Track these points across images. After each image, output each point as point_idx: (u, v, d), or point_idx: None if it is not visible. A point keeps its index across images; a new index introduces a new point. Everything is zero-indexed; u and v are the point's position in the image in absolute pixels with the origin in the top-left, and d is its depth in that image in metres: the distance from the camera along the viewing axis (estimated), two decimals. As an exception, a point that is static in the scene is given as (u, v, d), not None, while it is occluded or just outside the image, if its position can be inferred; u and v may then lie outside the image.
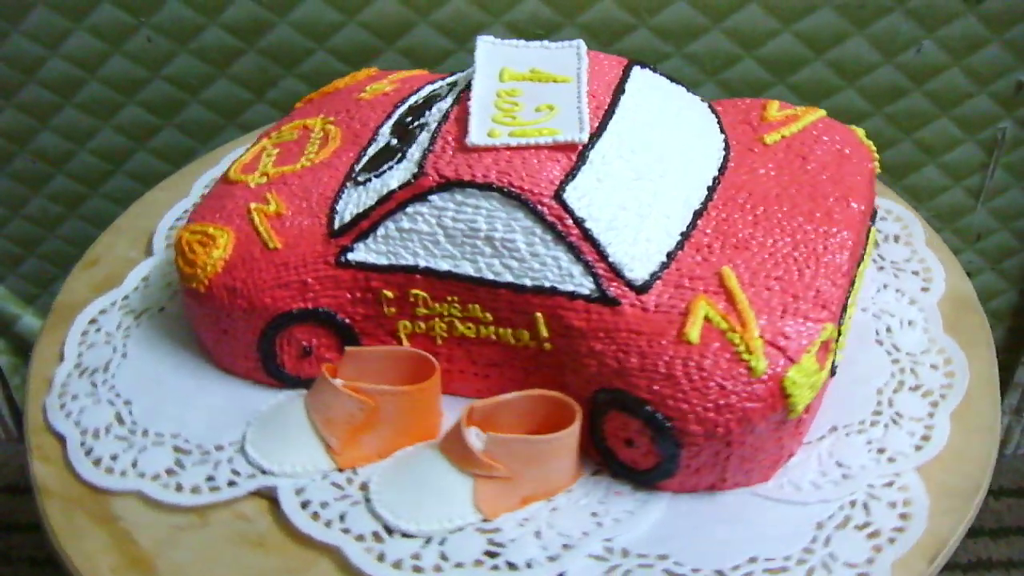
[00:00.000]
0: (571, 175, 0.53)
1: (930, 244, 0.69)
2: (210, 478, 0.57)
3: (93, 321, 0.67)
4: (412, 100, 0.66)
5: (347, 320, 0.58)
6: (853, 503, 0.53)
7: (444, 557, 0.52)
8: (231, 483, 0.56)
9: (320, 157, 0.64)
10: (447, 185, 0.54)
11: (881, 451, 0.56)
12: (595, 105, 0.57)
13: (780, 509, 0.53)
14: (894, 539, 0.51)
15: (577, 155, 0.54)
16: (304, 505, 0.55)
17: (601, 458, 0.55)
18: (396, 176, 0.57)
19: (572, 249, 0.52)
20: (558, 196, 0.52)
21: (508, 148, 0.54)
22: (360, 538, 0.53)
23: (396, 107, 0.66)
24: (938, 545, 0.52)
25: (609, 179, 0.54)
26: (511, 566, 0.51)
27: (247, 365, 0.61)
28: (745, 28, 0.90)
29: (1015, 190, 0.99)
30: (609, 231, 0.53)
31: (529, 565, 0.51)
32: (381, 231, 0.56)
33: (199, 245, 0.60)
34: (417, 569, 0.52)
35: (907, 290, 0.65)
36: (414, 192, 0.55)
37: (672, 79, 0.63)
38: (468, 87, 0.58)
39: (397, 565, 0.52)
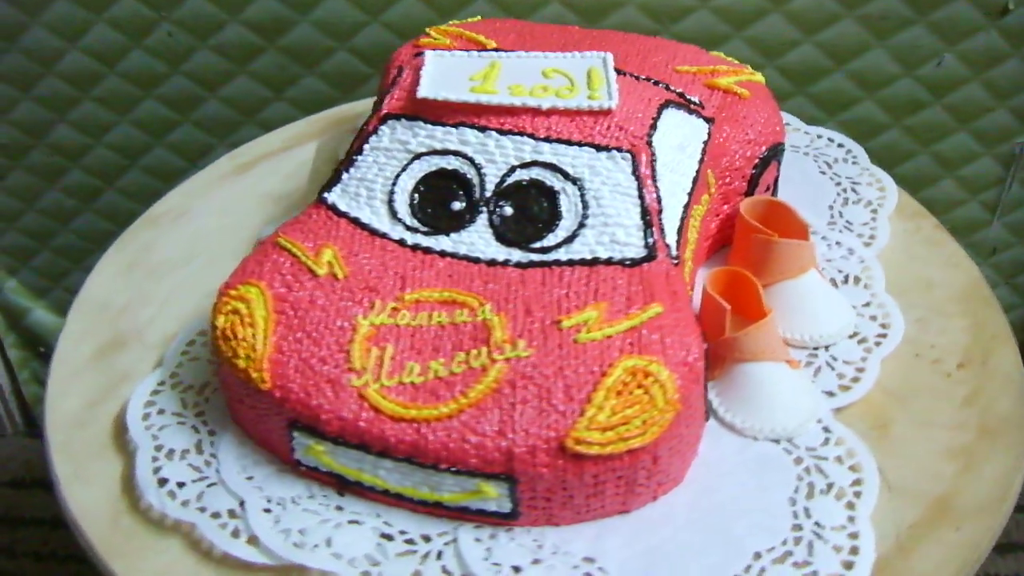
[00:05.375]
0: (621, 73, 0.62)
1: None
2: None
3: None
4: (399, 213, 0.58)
5: None
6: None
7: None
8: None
9: (488, 309, 0.53)
10: (650, 138, 0.57)
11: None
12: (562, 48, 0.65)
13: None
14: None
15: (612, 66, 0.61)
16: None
17: None
18: (612, 180, 0.56)
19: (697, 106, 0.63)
20: (665, 86, 0.62)
21: (619, 83, 0.59)
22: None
23: (390, 243, 0.57)
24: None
25: None
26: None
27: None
28: (767, 37, 0.90)
29: (1031, 205, 0.99)
30: None
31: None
32: (667, 216, 0.57)
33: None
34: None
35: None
36: (646, 170, 0.56)
37: None
38: (485, 135, 0.57)
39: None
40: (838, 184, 0.72)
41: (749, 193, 0.65)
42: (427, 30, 0.70)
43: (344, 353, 0.51)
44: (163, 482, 0.53)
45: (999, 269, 1.03)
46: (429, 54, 0.61)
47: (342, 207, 0.58)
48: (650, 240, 0.55)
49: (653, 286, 0.53)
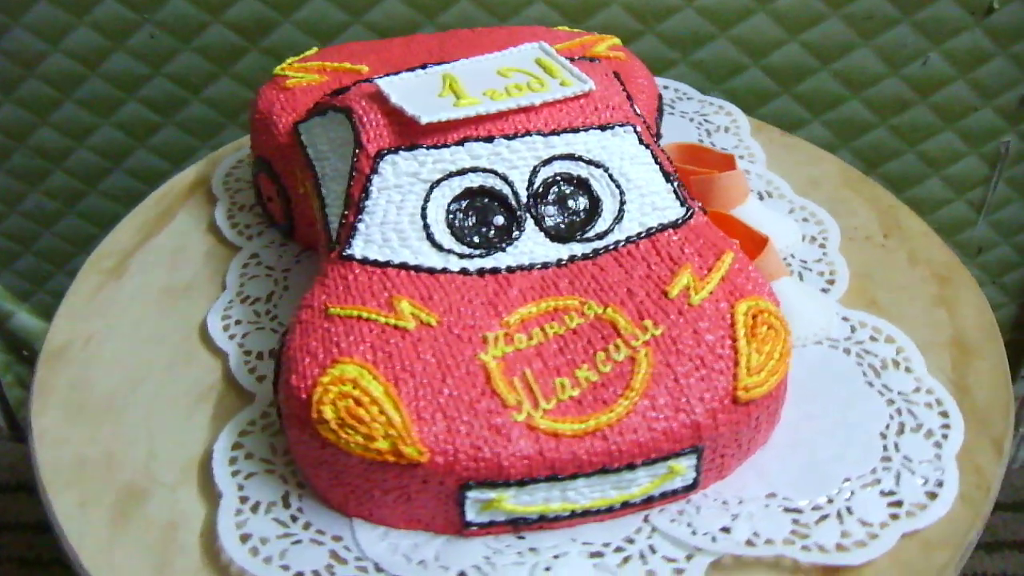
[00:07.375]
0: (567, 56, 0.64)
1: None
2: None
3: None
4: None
5: None
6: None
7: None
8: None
9: (592, 310, 0.53)
10: (634, 108, 0.59)
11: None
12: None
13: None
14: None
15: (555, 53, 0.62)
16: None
17: None
18: (628, 154, 0.57)
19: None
20: (596, 61, 0.63)
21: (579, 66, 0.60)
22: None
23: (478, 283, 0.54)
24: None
25: None
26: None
27: None
28: (752, 37, 0.90)
29: (1017, 204, 0.99)
30: None
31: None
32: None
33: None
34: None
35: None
36: (648, 136, 0.59)
37: None
38: (495, 144, 0.56)
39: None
40: (691, 120, 0.76)
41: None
42: (280, 71, 0.67)
43: (489, 394, 0.49)
44: None
45: (985, 268, 1.03)
46: (382, 83, 0.57)
47: (376, 256, 0.54)
48: (682, 198, 0.57)
49: (710, 237, 0.56)
